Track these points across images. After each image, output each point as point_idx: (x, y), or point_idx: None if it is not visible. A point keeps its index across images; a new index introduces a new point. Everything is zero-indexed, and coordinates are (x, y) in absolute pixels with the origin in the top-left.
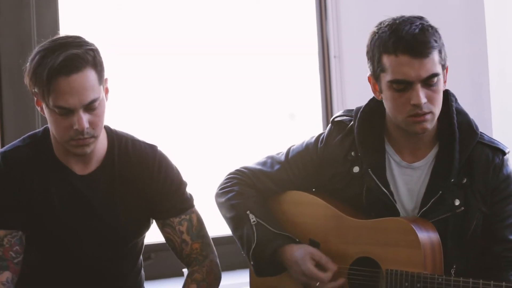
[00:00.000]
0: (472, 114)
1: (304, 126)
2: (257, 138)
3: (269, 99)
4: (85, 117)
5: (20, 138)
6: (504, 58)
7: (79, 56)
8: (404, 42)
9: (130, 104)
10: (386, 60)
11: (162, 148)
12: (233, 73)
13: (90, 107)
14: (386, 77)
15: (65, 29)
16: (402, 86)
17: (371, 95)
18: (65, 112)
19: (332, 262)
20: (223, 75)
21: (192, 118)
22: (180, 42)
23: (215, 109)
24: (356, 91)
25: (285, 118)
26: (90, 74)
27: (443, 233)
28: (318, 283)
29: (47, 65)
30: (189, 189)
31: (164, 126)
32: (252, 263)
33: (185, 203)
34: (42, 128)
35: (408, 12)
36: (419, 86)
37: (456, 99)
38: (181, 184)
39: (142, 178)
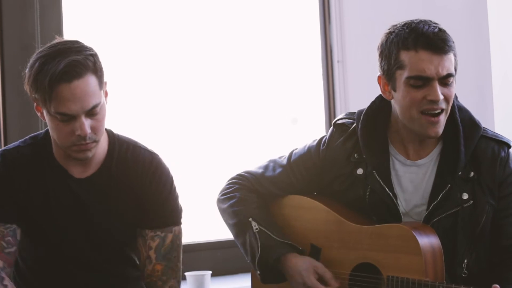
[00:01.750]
0: (475, 116)
1: (307, 130)
2: (260, 142)
3: (272, 104)
4: (87, 123)
5: (22, 139)
6: (507, 62)
7: (80, 62)
8: (426, 38)
9: (135, 109)
10: (405, 56)
11: (164, 151)
12: (236, 78)
13: (92, 112)
14: (403, 74)
15: (69, 32)
16: (420, 83)
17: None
18: (67, 119)
19: (335, 279)
20: (226, 79)
21: (195, 122)
22: (183, 47)
23: (218, 113)
24: (359, 95)
25: (288, 123)
26: (91, 80)
27: (453, 228)
28: None
29: (48, 72)
30: (184, 198)
31: (165, 130)
32: (257, 271)
33: (167, 219)
34: (44, 130)
35: (411, 17)
36: (436, 84)
37: (456, 97)
38: (170, 197)
39: (136, 183)
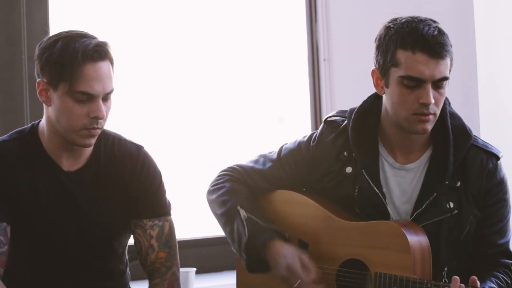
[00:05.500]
0: (467, 124)
1: (293, 129)
2: (246, 141)
3: (258, 102)
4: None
5: (7, 134)
6: (493, 62)
7: (106, 45)
8: (424, 41)
9: (122, 106)
10: (402, 55)
11: (151, 149)
12: (223, 76)
13: (107, 97)
14: (397, 72)
15: (55, 28)
16: (414, 84)
17: (360, 98)
18: (86, 99)
19: (317, 268)
20: (213, 78)
21: (182, 121)
22: (170, 44)
23: (205, 111)
24: (345, 94)
25: (275, 121)
26: (110, 65)
27: (436, 236)
28: (298, 281)
29: (78, 50)
30: (170, 195)
31: (154, 128)
32: (243, 257)
33: (161, 208)
34: (30, 124)
35: (397, 16)
36: (430, 86)
37: (449, 103)
38: (161, 187)
39: (124, 175)
